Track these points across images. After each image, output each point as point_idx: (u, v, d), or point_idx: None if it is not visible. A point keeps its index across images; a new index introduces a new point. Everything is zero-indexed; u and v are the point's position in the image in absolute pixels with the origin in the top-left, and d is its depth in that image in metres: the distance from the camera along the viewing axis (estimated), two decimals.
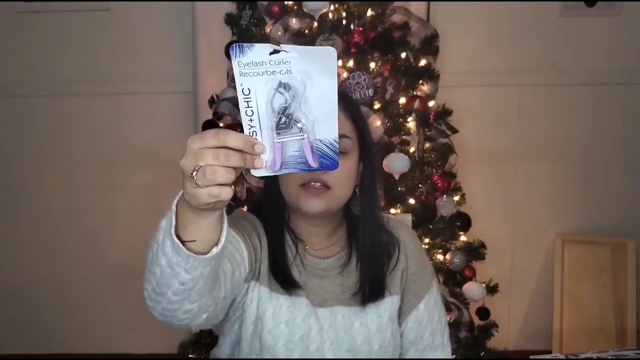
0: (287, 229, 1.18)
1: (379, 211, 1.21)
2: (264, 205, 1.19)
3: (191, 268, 0.81)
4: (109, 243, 2.73)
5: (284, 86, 0.74)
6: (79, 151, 2.68)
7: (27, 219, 2.73)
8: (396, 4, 2.05)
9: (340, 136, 1.08)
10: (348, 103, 1.16)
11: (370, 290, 1.16)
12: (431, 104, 2.05)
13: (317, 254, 1.18)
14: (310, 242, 1.19)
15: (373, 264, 1.17)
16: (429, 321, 1.22)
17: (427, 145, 2.03)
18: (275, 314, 1.12)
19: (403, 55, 1.98)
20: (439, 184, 1.99)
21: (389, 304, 1.18)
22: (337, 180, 1.09)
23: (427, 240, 2.00)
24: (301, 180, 1.09)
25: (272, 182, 1.16)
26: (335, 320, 1.15)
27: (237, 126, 1.96)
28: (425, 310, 1.22)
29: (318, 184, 1.09)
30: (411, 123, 1.94)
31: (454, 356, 1.30)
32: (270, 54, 0.73)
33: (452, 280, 2.10)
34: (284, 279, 1.13)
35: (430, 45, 2.07)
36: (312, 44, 1.86)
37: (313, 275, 1.16)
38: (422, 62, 2.05)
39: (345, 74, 1.85)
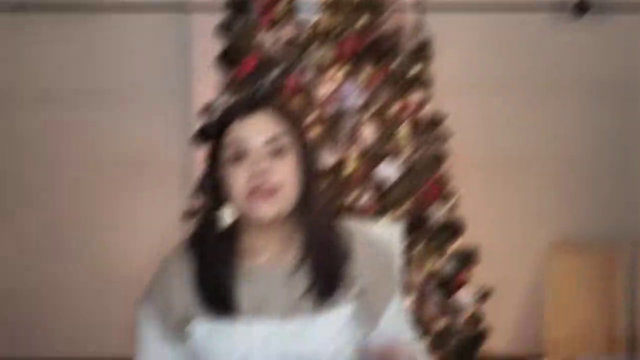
0: (231, 248, 1.16)
1: (319, 205, 1.19)
2: (205, 230, 1.16)
3: None
4: (109, 244, 2.73)
5: None
6: (79, 153, 2.69)
7: (28, 220, 2.73)
8: (389, 12, 2.06)
9: (276, 137, 1.10)
10: (277, 104, 1.16)
11: (321, 289, 1.15)
12: (423, 111, 2.06)
13: (264, 265, 1.17)
14: (260, 252, 1.17)
15: (320, 261, 1.15)
16: (394, 324, 1.21)
17: (419, 152, 2.03)
18: (211, 343, 1.12)
19: (396, 63, 1.99)
20: (431, 192, 2.00)
21: (337, 315, 1.17)
22: (283, 180, 1.09)
23: (418, 248, 2.00)
24: (247, 189, 1.08)
25: (210, 206, 1.15)
26: (284, 332, 1.13)
27: None
28: (389, 317, 1.21)
29: (265, 187, 1.08)
30: (403, 131, 1.94)
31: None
32: None
33: (445, 287, 2.11)
34: (218, 304, 1.12)
35: (423, 53, 2.08)
36: (304, 52, 1.87)
37: (261, 286, 1.15)
38: (415, 70, 2.05)
39: (337, 82, 1.86)
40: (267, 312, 1.14)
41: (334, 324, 1.17)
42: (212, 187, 1.17)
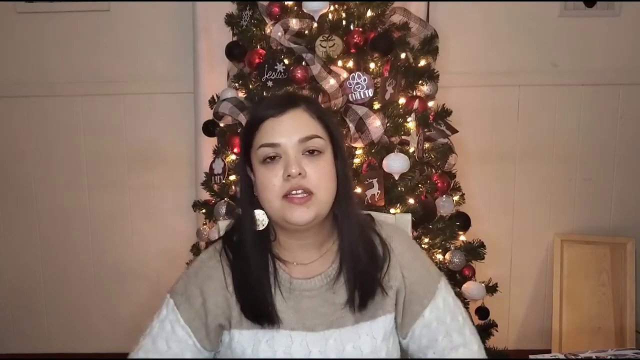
0: (270, 256, 1.13)
1: (356, 206, 1.17)
2: (243, 234, 1.13)
3: None
4: (108, 243, 2.74)
5: None
6: (79, 151, 2.69)
7: (27, 219, 2.74)
8: (396, 4, 2.05)
9: (311, 137, 1.08)
10: (310, 103, 1.13)
11: (361, 293, 1.11)
12: (431, 104, 2.05)
13: (303, 274, 1.14)
14: (299, 258, 1.14)
15: (358, 263, 1.11)
16: (440, 324, 1.17)
17: (427, 145, 2.03)
18: (254, 351, 1.10)
19: (403, 55, 1.98)
20: (439, 184, 1.99)
21: (382, 324, 1.14)
22: (319, 183, 1.06)
23: (426, 240, 2.00)
24: (282, 191, 1.06)
25: (248, 208, 1.12)
26: (327, 344, 1.11)
27: (237, 126, 1.96)
28: (432, 316, 1.16)
29: (300, 191, 1.05)
30: (411, 123, 1.94)
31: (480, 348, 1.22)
32: None
33: (452, 279, 2.10)
34: (260, 315, 1.10)
35: (429, 46, 2.07)
36: (312, 44, 1.86)
37: (302, 298, 1.12)
38: (422, 63, 2.04)
39: (345, 74, 1.85)
40: (310, 325, 1.11)
41: (377, 334, 1.13)
42: (245, 187, 1.13)
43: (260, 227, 1.12)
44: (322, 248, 1.16)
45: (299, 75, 1.81)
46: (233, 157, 2.01)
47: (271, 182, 1.06)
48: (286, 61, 1.87)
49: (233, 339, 1.12)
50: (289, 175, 1.05)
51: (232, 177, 2.01)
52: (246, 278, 1.11)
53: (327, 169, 1.09)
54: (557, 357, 1.47)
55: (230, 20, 2.07)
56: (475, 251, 2.08)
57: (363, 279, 1.12)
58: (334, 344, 1.11)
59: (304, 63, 1.84)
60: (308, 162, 1.07)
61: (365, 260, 1.13)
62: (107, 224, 2.73)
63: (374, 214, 1.27)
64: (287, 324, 1.11)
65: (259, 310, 1.10)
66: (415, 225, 1.87)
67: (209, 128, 2.13)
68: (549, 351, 2.49)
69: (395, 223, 1.46)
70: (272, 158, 1.07)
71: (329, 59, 1.85)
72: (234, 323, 1.12)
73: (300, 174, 1.05)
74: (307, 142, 1.07)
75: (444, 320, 1.17)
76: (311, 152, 1.07)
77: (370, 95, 1.84)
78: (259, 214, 1.12)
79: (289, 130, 1.07)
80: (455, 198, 2.07)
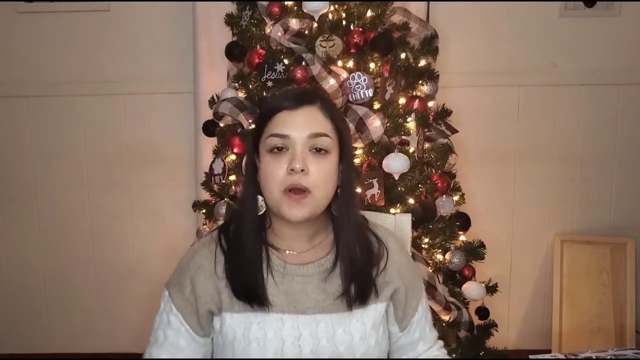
0: (264, 241, 1.16)
1: (357, 210, 1.20)
2: (242, 218, 1.16)
3: None
4: (108, 243, 2.74)
5: None
6: (79, 151, 2.69)
7: (27, 219, 2.74)
8: (396, 4, 2.05)
9: (321, 134, 1.10)
10: (326, 102, 1.16)
11: (357, 291, 1.14)
12: (431, 104, 2.06)
13: (297, 260, 1.17)
14: (292, 247, 1.17)
15: (355, 264, 1.15)
16: (426, 319, 1.27)
17: (427, 145, 2.03)
18: (245, 334, 1.12)
19: (403, 55, 1.98)
20: (439, 184, 1.99)
21: (372, 312, 1.18)
22: (318, 182, 1.09)
23: (426, 240, 2.00)
24: (283, 185, 1.08)
25: (251, 192, 1.15)
26: (318, 327, 1.14)
27: (237, 127, 1.96)
28: (422, 310, 1.26)
29: (299, 188, 1.08)
30: (411, 123, 1.94)
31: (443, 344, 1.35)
32: None
33: (452, 279, 2.10)
34: (250, 296, 1.12)
35: (429, 46, 2.07)
36: (312, 44, 1.86)
37: (294, 283, 1.15)
38: (422, 63, 2.04)
39: (345, 74, 1.85)
40: (301, 309, 1.14)
41: (368, 321, 1.17)
42: (251, 171, 1.16)
43: (259, 212, 1.16)
44: (315, 239, 1.19)
45: (299, 75, 1.82)
46: (233, 157, 2.01)
47: (275, 172, 1.09)
48: (286, 61, 1.87)
49: (224, 322, 1.14)
50: (292, 170, 1.07)
51: (232, 177, 2.01)
52: (238, 260, 1.14)
53: (329, 169, 1.11)
54: (557, 357, 1.47)
55: (230, 20, 2.07)
56: (475, 251, 2.08)
57: (359, 278, 1.15)
58: (324, 327, 1.14)
59: (304, 63, 1.84)
60: (313, 160, 1.09)
61: (361, 261, 1.16)
62: (107, 223, 2.73)
63: (368, 215, 1.30)
64: (278, 307, 1.13)
65: (249, 290, 1.12)
66: (415, 225, 1.87)
67: (209, 128, 2.13)
68: (549, 351, 2.50)
69: (389, 225, 1.46)
70: (280, 149, 1.10)
71: (329, 59, 1.85)
72: (225, 306, 1.14)
73: (302, 170, 1.07)
74: (315, 139, 1.10)
75: (427, 315, 1.28)
76: (317, 150, 1.10)
77: (370, 95, 1.84)
78: (259, 199, 1.15)
79: (301, 124, 1.10)
80: (455, 198, 2.07)
